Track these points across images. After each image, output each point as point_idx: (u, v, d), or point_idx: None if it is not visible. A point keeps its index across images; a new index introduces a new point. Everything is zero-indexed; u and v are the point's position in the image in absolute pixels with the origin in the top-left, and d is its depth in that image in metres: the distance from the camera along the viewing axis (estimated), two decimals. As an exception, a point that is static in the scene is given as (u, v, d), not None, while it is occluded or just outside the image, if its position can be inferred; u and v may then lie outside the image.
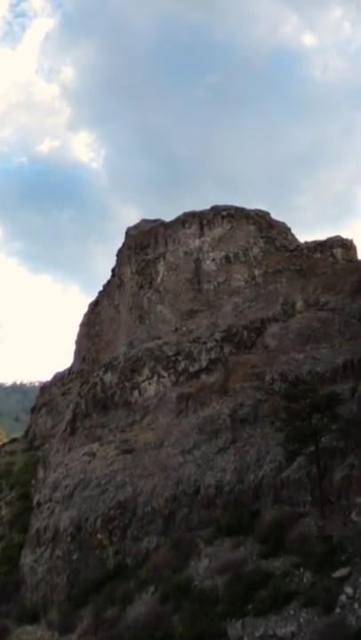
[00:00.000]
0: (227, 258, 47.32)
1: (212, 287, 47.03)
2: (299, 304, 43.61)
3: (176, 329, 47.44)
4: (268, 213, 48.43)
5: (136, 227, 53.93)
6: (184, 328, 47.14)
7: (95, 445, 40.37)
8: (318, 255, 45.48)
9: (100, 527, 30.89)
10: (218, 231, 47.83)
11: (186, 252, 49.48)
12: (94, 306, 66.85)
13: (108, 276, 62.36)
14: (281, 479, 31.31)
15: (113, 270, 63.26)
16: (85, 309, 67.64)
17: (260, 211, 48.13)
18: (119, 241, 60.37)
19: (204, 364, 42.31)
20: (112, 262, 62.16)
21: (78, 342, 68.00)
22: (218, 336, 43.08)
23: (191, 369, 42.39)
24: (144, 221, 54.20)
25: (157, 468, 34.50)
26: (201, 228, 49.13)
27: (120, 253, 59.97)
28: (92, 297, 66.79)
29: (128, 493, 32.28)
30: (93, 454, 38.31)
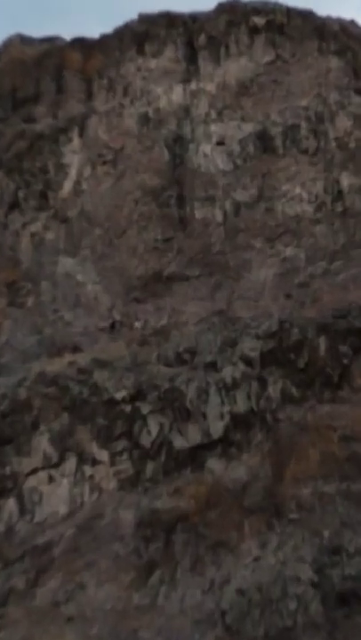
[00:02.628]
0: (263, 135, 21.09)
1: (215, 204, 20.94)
2: None
3: (114, 323, 20.97)
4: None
5: (7, 51, 24.91)
6: (137, 323, 20.90)
7: None
8: None
9: None
10: (237, 65, 21.29)
11: (148, 115, 22.63)
12: None
13: None
14: None
15: None
16: None
17: (342, 20, 21.95)
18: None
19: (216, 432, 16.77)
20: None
21: None
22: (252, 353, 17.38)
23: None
24: (20, 40, 25.11)
25: None
26: (191, 55, 22.54)
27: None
28: None
29: None
30: None
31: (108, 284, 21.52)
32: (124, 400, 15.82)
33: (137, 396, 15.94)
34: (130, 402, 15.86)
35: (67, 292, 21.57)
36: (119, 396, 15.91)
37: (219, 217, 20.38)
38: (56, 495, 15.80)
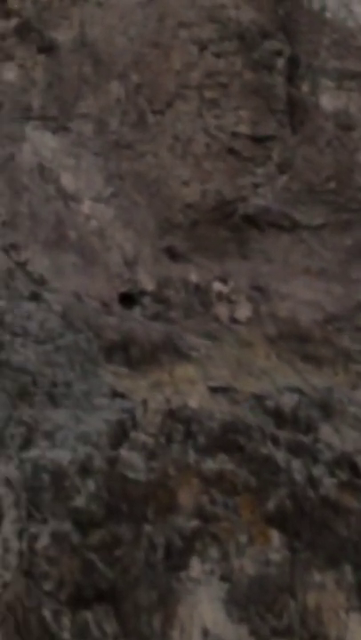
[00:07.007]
0: None
1: None
2: None
3: (131, 294, 11.77)
4: None
5: None
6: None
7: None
8: None
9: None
10: None
11: None
12: None
13: None
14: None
15: None
16: None
17: None
18: None
19: None
20: None
21: None
22: None
23: None
24: None
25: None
26: None
27: None
28: None
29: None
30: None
31: (126, 208, 11.86)
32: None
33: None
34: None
35: (39, 209, 11.23)
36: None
37: (373, 115, 12.59)
38: None
